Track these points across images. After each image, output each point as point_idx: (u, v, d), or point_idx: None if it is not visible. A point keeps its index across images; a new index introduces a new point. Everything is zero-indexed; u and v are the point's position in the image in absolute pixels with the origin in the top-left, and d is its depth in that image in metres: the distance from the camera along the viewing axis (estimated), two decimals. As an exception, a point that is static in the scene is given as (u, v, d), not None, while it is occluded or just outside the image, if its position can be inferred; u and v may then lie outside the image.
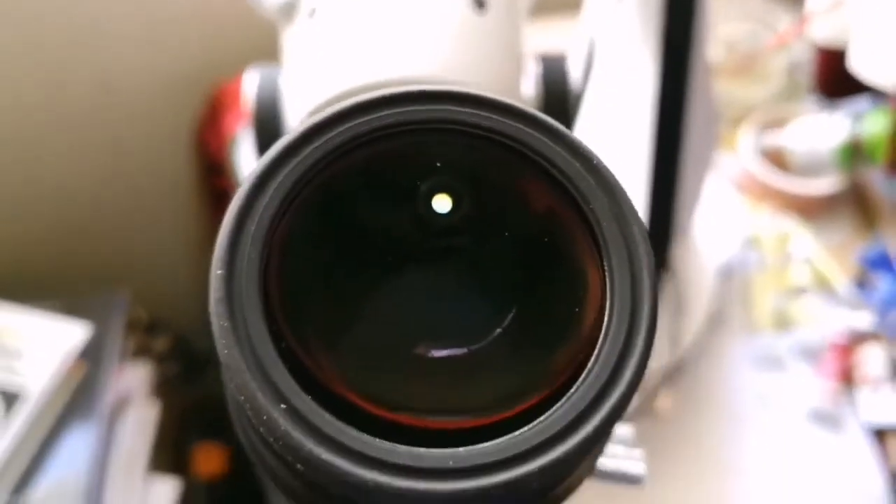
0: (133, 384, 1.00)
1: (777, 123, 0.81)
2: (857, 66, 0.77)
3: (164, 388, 1.09)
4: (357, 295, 0.14)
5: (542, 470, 0.13)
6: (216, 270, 0.13)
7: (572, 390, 0.13)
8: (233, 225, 0.13)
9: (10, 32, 0.86)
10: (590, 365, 0.13)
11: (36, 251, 1.02)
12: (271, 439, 0.13)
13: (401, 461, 0.12)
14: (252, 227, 0.13)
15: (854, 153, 0.76)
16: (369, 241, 0.14)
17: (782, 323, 0.74)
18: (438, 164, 0.14)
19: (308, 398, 0.13)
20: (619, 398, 0.13)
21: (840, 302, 0.76)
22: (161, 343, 1.13)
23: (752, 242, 0.78)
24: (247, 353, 0.13)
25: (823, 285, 0.77)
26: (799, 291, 0.75)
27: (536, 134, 0.14)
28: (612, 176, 0.14)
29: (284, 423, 0.12)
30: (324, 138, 0.14)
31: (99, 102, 0.96)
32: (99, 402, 0.91)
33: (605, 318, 0.13)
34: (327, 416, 0.13)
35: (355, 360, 0.13)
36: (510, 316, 0.14)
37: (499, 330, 0.14)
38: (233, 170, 0.85)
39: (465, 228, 0.14)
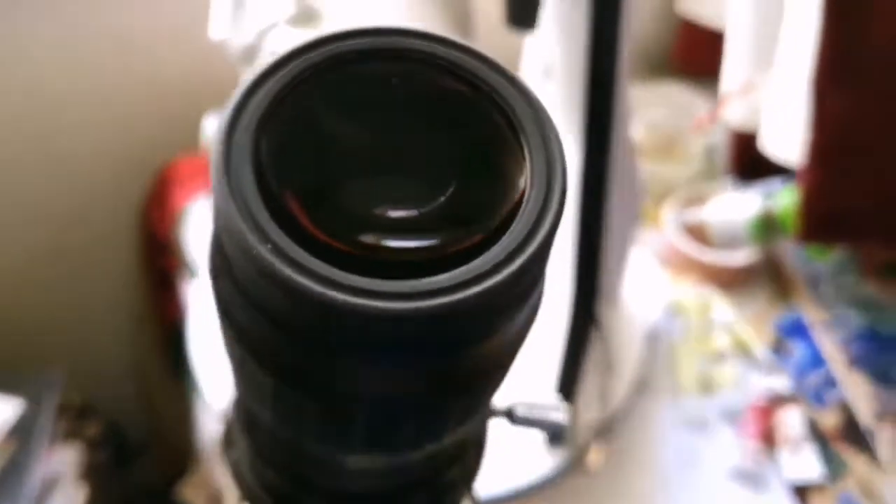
0: (62, 466, 0.98)
1: (697, 201, 0.86)
2: (768, 145, 0.83)
3: (93, 474, 1.07)
4: (329, 165, 0.17)
5: (481, 293, 0.16)
6: (216, 146, 0.16)
7: (504, 237, 0.16)
8: (234, 109, 0.16)
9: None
10: (516, 220, 0.16)
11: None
12: (255, 275, 0.16)
13: (365, 287, 0.15)
14: (248, 112, 0.16)
15: (767, 226, 0.81)
16: (339, 124, 0.18)
17: (706, 386, 0.77)
18: (394, 80, 0.18)
19: (288, 239, 0.16)
20: (540, 243, 0.16)
21: (759, 367, 0.80)
22: (92, 428, 1.12)
23: (676, 311, 0.82)
24: (240, 204, 0.16)
25: (743, 351, 0.81)
26: (721, 357, 0.79)
27: (475, 61, 0.18)
28: (533, 94, 0.18)
29: (269, 257, 0.15)
30: (307, 55, 0.17)
31: (44, 178, 0.97)
32: (27, 481, 0.89)
33: (527, 188, 0.17)
34: (304, 253, 0.15)
35: (327, 212, 0.16)
36: (451, 188, 0.17)
37: (443, 198, 0.17)
38: (180, 244, 0.86)
39: (417, 114, 0.18)
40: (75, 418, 1.07)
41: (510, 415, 0.29)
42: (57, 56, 0.89)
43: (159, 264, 1.02)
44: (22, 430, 0.90)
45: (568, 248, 0.61)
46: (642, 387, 0.76)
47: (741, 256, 0.84)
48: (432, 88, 0.18)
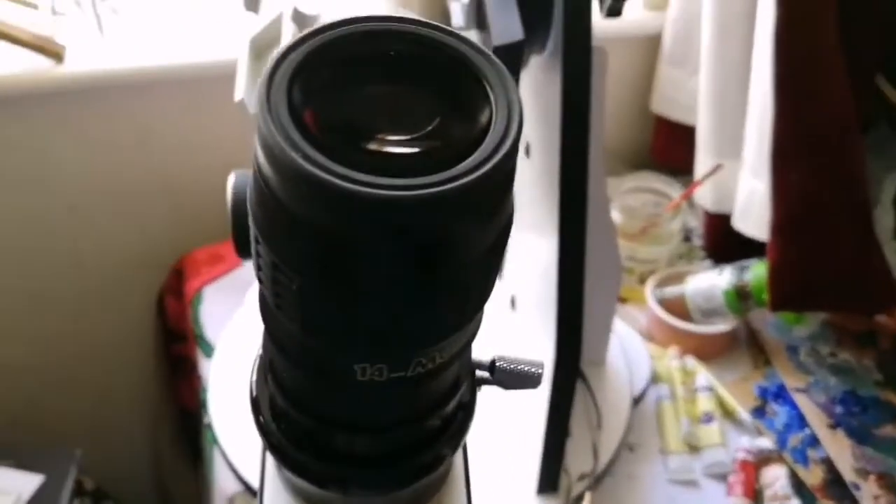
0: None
1: (678, 278, 0.93)
2: (739, 223, 0.90)
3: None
4: (343, 104, 0.24)
5: (460, 187, 0.22)
6: (261, 89, 0.23)
7: (476, 151, 0.23)
8: (273, 64, 0.23)
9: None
10: (486, 139, 0.23)
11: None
12: (287, 179, 0.22)
13: (370, 181, 0.21)
14: (284, 66, 0.23)
15: (741, 297, 0.87)
16: (350, 80, 0.24)
17: (692, 447, 0.82)
18: (392, 51, 0.25)
19: (312, 148, 0.22)
20: (504, 153, 0.23)
21: (743, 428, 0.84)
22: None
23: (661, 378, 0.87)
24: (277, 126, 0.22)
25: (728, 414, 0.85)
26: (706, 419, 0.84)
27: (460, 44, 0.25)
28: (495, 58, 0.25)
29: (304, 164, 0.21)
30: (324, 34, 0.24)
31: (66, 270, 1.04)
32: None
33: (493, 120, 0.23)
34: (325, 158, 0.22)
35: (341, 131, 0.23)
36: (437, 120, 0.24)
37: (430, 127, 0.24)
38: (194, 327, 0.92)
39: (412, 69, 0.25)
40: (90, 502, 1.10)
41: (492, 367, 0.34)
42: (79, 153, 0.97)
43: (174, 352, 1.08)
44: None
45: (552, 314, 0.67)
46: (631, 446, 0.81)
47: (720, 326, 0.90)
48: (419, 57, 0.25)
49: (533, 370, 0.34)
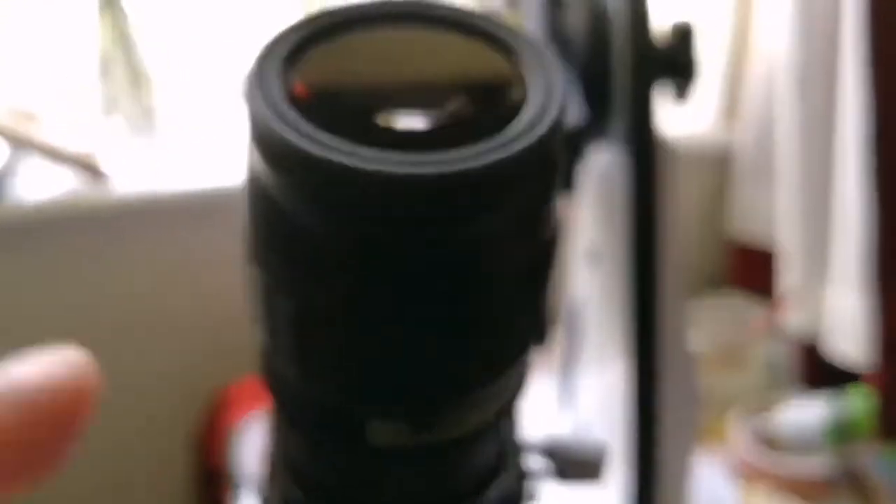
0: None
1: (764, 409, 0.84)
2: (831, 349, 0.82)
3: None
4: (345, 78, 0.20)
5: (523, 150, 0.17)
6: (252, 69, 0.18)
7: (509, 127, 0.18)
8: (265, 48, 0.18)
9: (36, 334, 0.94)
10: (516, 119, 0.18)
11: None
12: (280, 166, 0.17)
13: (396, 159, 0.17)
14: (280, 45, 0.18)
15: (841, 430, 0.78)
16: (355, 59, 0.21)
17: None
18: (400, 31, 0.21)
19: (310, 126, 0.17)
20: (545, 133, 0.17)
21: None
22: None
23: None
24: (267, 102, 0.17)
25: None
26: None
27: (468, 17, 0.20)
28: (542, 49, 0.19)
29: (296, 140, 0.17)
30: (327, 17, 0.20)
31: (107, 399, 1.00)
32: None
33: (526, 100, 0.18)
34: (325, 134, 0.17)
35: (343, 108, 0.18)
36: (455, 102, 0.19)
37: (448, 108, 0.19)
38: (230, 463, 0.88)
39: (420, 54, 0.21)
40: None
41: (548, 450, 0.28)
42: (122, 289, 0.96)
43: (211, 494, 1.03)
44: None
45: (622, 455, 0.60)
46: None
47: (817, 464, 0.80)
48: (433, 36, 0.21)
49: (592, 455, 0.28)
